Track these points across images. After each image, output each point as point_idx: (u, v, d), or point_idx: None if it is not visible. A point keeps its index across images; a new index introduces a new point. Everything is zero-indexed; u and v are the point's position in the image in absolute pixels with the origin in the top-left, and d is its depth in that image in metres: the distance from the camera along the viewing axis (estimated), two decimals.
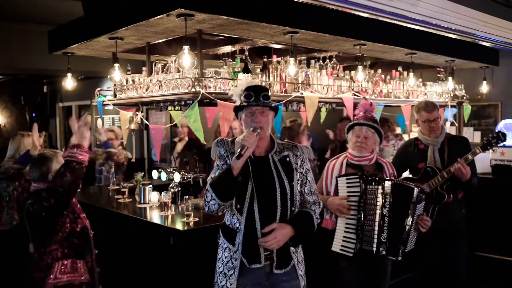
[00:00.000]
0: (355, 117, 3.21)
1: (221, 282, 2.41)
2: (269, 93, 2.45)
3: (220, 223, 2.53)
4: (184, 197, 3.77)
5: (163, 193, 3.99)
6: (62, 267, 2.88)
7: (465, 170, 3.29)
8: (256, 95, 2.38)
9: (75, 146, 2.88)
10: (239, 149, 2.24)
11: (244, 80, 2.55)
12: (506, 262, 4.94)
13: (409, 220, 2.88)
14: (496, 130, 6.18)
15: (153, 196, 4.18)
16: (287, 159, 2.45)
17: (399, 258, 2.88)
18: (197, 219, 3.56)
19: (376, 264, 3.06)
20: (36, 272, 2.90)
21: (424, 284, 3.82)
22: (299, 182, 2.46)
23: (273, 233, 2.30)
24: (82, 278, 2.94)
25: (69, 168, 2.80)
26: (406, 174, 3.81)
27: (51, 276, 2.85)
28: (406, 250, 2.90)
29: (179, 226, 3.44)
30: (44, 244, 2.89)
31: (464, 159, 3.31)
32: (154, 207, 4.10)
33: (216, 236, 2.52)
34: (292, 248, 2.42)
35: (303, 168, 2.49)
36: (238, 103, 2.46)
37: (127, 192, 4.47)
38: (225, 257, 2.42)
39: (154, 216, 3.82)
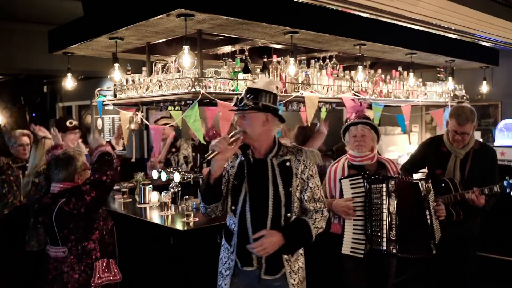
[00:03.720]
0: (348, 120, 3.19)
1: (218, 281, 2.42)
2: (269, 94, 2.29)
3: (220, 223, 2.53)
4: (184, 197, 3.77)
5: (163, 193, 3.99)
6: (102, 266, 2.83)
7: (478, 202, 3.19)
8: (240, 99, 2.29)
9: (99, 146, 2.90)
10: (208, 154, 2.19)
11: (261, 79, 2.49)
12: (506, 262, 4.93)
13: (428, 214, 2.89)
14: (496, 129, 6.20)
15: (153, 196, 4.18)
16: (287, 163, 2.35)
17: (434, 252, 2.87)
18: (197, 219, 3.55)
19: (381, 265, 3.04)
20: (75, 275, 2.76)
21: (425, 283, 3.81)
22: (298, 188, 2.36)
23: (260, 240, 2.24)
24: (117, 278, 2.89)
25: (109, 160, 2.80)
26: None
27: (97, 276, 2.79)
28: (436, 242, 2.90)
29: (179, 226, 3.44)
30: (81, 244, 2.79)
31: (481, 191, 3.19)
32: (154, 207, 4.09)
33: (216, 236, 2.53)
34: (285, 256, 2.34)
35: (304, 174, 2.36)
36: None
37: (127, 192, 4.48)
38: (224, 257, 2.43)
39: (154, 216, 3.81)
